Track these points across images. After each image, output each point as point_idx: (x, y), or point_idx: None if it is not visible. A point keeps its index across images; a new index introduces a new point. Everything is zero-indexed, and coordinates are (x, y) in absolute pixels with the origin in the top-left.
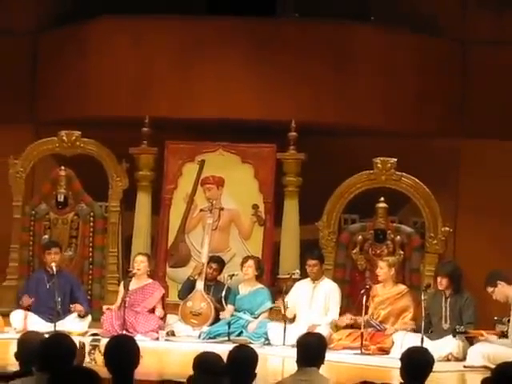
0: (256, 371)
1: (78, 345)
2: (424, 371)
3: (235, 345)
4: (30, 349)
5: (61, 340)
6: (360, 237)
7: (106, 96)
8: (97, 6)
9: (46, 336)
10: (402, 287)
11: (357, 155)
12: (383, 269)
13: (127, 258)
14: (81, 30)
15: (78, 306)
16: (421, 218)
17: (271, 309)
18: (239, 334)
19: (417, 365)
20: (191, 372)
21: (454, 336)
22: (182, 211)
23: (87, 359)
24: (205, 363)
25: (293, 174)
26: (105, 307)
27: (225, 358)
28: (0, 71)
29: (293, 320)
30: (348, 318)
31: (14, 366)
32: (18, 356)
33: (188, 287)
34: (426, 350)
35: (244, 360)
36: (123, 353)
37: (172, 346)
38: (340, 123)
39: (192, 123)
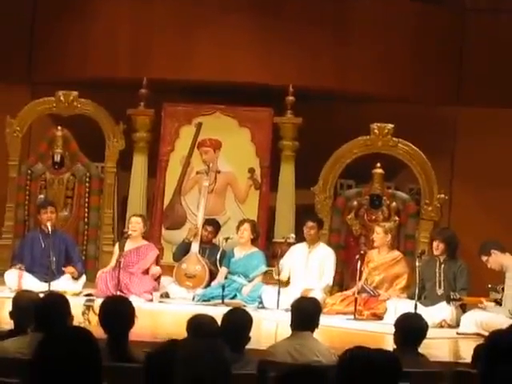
0: (250, 334)
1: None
2: (417, 337)
3: (230, 308)
4: (25, 308)
5: (56, 300)
6: (355, 202)
7: (103, 57)
8: None
9: (41, 296)
10: (396, 253)
11: (354, 121)
12: (379, 234)
13: (123, 219)
14: None
15: (70, 268)
16: (417, 184)
17: (266, 272)
18: (233, 297)
19: (410, 331)
20: (184, 334)
21: (449, 302)
22: (178, 173)
23: (81, 319)
24: (198, 325)
25: (289, 139)
26: (100, 271)
27: (219, 320)
28: None
29: (287, 284)
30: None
31: (8, 324)
32: (12, 315)
33: (183, 249)
34: (420, 315)
35: (238, 323)
36: (119, 313)
37: (166, 307)
38: (338, 88)
39: (190, 85)
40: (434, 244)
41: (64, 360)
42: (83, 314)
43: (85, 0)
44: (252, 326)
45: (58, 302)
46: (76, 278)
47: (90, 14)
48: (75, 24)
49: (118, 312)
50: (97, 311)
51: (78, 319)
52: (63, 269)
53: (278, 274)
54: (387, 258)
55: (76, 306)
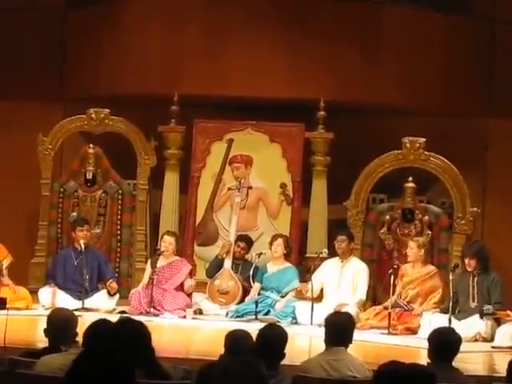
0: (285, 351)
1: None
2: (451, 351)
3: (265, 324)
4: (60, 325)
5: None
6: (388, 216)
7: (135, 74)
8: None
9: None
10: (431, 268)
11: (385, 135)
12: (413, 249)
13: (155, 236)
14: (111, 8)
15: (113, 284)
16: (449, 198)
17: (298, 287)
18: (266, 313)
19: (444, 345)
20: (219, 350)
21: (482, 317)
22: (209, 190)
23: None
24: (236, 341)
25: (321, 153)
26: (133, 290)
27: (253, 336)
28: (30, 48)
29: (320, 299)
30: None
31: (42, 342)
32: (47, 333)
33: (216, 266)
34: (453, 330)
35: (274, 339)
36: (132, 335)
37: (199, 324)
38: (368, 102)
39: (220, 102)
40: (466, 261)
41: (99, 377)
42: None
43: (116, 17)
44: (287, 343)
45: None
46: (112, 295)
47: (121, 32)
48: (106, 41)
49: (132, 332)
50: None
51: None
52: (107, 283)
53: (312, 291)
54: (422, 272)
55: None
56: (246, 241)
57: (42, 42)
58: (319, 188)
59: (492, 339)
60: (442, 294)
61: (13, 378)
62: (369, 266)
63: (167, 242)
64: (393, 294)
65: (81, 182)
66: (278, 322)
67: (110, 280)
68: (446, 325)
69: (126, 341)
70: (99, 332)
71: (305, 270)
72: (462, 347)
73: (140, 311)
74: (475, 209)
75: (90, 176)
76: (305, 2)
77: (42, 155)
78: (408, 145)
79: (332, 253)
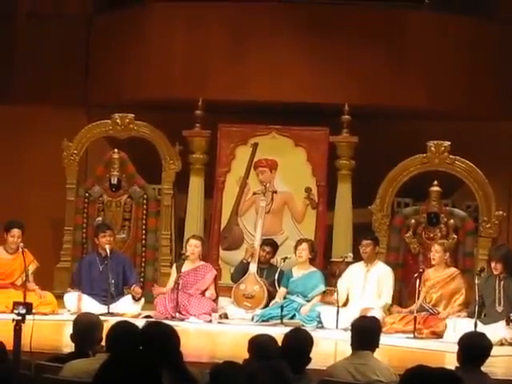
0: (311, 355)
1: None
2: (481, 356)
3: (291, 328)
4: (86, 330)
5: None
6: (413, 220)
7: (159, 79)
8: None
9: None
10: (452, 269)
11: (410, 138)
12: (438, 252)
13: (180, 240)
14: (134, 14)
15: (137, 289)
16: (474, 201)
17: (324, 292)
18: (292, 317)
19: (475, 349)
20: (244, 354)
21: (508, 324)
22: (234, 194)
23: None
24: (260, 346)
25: (346, 157)
26: (155, 291)
27: (278, 341)
28: (54, 54)
29: (345, 303)
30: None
31: (68, 347)
32: (73, 337)
33: (241, 270)
34: (485, 335)
35: (300, 343)
36: (161, 338)
37: (225, 328)
38: (393, 106)
39: (245, 106)
40: (492, 264)
41: (126, 382)
42: None
43: (140, 23)
44: (312, 347)
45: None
46: (137, 300)
47: (145, 37)
48: (130, 46)
49: (161, 336)
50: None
51: None
52: (131, 288)
53: (337, 299)
54: (443, 275)
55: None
56: (271, 245)
57: (67, 48)
58: (344, 192)
59: None
60: (465, 295)
61: (39, 383)
62: (394, 270)
63: (193, 246)
64: (418, 298)
65: (106, 186)
66: (304, 326)
67: (134, 285)
68: (472, 329)
69: (155, 344)
70: (120, 334)
71: (330, 275)
72: None
73: (166, 316)
74: (501, 212)
75: (114, 181)
76: (329, 6)
77: (67, 160)
78: (433, 148)
79: (357, 257)
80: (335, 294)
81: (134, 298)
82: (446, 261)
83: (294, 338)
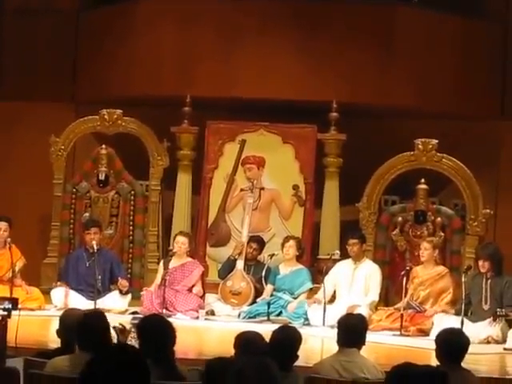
0: (298, 352)
1: (119, 327)
2: (459, 352)
3: (279, 325)
4: (72, 326)
5: (94, 318)
6: (400, 218)
7: (147, 75)
8: None
9: (80, 316)
10: (441, 268)
11: (398, 136)
12: (427, 249)
13: (167, 236)
14: (123, 10)
15: (124, 282)
16: (461, 199)
17: (311, 289)
18: (279, 314)
19: (451, 346)
20: (231, 351)
21: (495, 320)
22: (222, 191)
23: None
24: (247, 342)
25: (333, 155)
26: (144, 289)
27: (266, 338)
28: (42, 49)
29: (332, 300)
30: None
31: (54, 343)
32: (59, 333)
33: (228, 267)
34: (460, 330)
35: (288, 340)
36: (160, 331)
37: (211, 325)
38: (381, 104)
39: (233, 103)
40: (480, 263)
41: (112, 379)
42: (129, 331)
43: (128, 19)
44: (300, 344)
45: (96, 321)
46: (125, 293)
47: (134, 33)
48: (119, 42)
49: (159, 330)
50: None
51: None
52: (118, 281)
53: (324, 295)
54: (432, 273)
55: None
56: (258, 242)
57: (55, 43)
58: (331, 189)
59: (504, 341)
60: (453, 293)
61: (25, 378)
62: (381, 268)
63: (180, 243)
64: (405, 296)
65: (93, 182)
66: (291, 323)
67: (120, 278)
68: (458, 326)
69: (151, 337)
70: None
71: (317, 272)
72: (475, 349)
73: (152, 312)
74: (488, 210)
75: (102, 177)
76: (317, 3)
77: (55, 156)
78: (420, 146)
79: (344, 254)
80: (321, 290)
81: (120, 291)
82: (434, 258)
83: (282, 335)
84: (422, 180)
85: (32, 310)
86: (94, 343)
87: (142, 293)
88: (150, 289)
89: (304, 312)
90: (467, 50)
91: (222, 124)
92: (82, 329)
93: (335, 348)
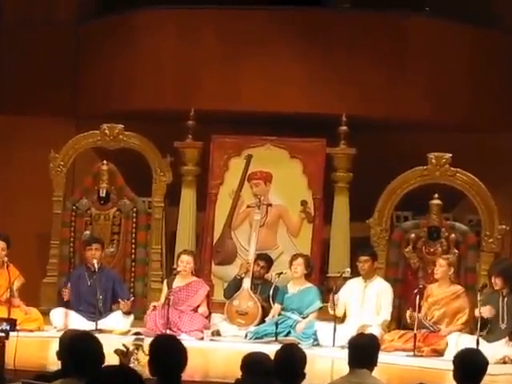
0: (305, 371)
1: (120, 350)
2: (478, 373)
3: (282, 344)
4: None
5: (82, 341)
6: (413, 235)
7: (149, 89)
8: None
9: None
10: (457, 287)
11: (410, 150)
12: (442, 267)
13: (171, 255)
14: (124, 21)
15: (125, 305)
16: (476, 215)
17: (320, 308)
18: (287, 335)
19: (470, 367)
20: (237, 373)
21: (511, 339)
22: (227, 207)
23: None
24: (253, 364)
25: (343, 170)
26: (154, 303)
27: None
28: (41, 63)
29: (342, 320)
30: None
31: (54, 365)
32: (60, 355)
33: (234, 286)
34: (479, 351)
35: (291, 360)
36: (172, 352)
37: (217, 346)
38: (392, 117)
39: (238, 117)
40: (492, 280)
41: None
42: (132, 353)
43: (129, 30)
44: (306, 363)
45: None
46: (127, 313)
47: (135, 45)
48: (120, 55)
49: (171, 351)
50: (146, 351)
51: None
52: (121, 304)
53: (334, 309)
54: (448, 292)
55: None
56: (265, 260)
57: (54, 57)
58: (341, 205)
59: None
60: (468, 314)
61: None
62: (393, 286)
63: (185, 262)
64: (418, 313)
65: (94, 199)
66: (299, 343)
67: (124, 301)
68: (474, 346)
69: (162, 357)
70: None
71: (327, 290)
72: (491, 370)
73: (156, 333)
74: (504, 226)
75: (103, 193)
76: (327, 11)
77: (54, 172)
78: (434, 160)
79: (355, 272)
80: (331, 307)
81: (124, 311)
82: (450, 276)
83: (285, 355)
84: (436, 195)
85: (31, 331)
86: (88, 367)
87: (151, 306)
88: (157, 304)
89: (313, 332)
90: (482, 60)
91: (227, 138)
92: (71, 353)
93: (346, 369)
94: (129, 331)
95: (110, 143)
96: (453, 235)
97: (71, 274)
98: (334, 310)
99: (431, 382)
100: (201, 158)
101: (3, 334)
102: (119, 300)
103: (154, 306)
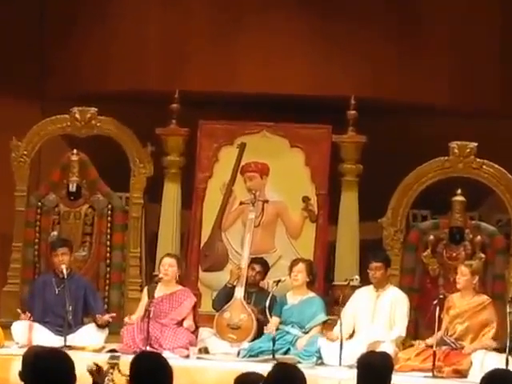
0: None
1: (93, 368)
2: None
3: (275, 363)
4: None
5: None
6: (432, 237)
7: (128, 68)
8: None
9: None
10: (483, 297)
11: (429, 139)
12: (465, 275)
13: (152, 259)
14: None
15: (104, 317)
16: (506, 214)
17: (325, 322)
18: (286, 352)
19: None
20: None
21: None
22: (218, 204)
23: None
24: None
25: (352, 161)
26: (126, 318)
27: None
28: (5, 39)
29: (351, 335)
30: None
31: None
32: (22, 376)
33: (225, 295)
34: (510, 371)
35: (286, 381)
36: (155, 372)
37: (205, 364)
38: (408, 100)
39: (231, 99)
40: None
41: None
42: (106, 373)
43: (105, 1)
44: None
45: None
46: (102, 327)
47: (112, 18)
48: (95, 27)
49: (155, 371)
50: (123, 370)
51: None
52: (97, 318)
53: (341, 331)
54: (472, 303)
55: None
56: (261, 264)
57: (19, 32)
58: (349, 202)
59: None
60: (496, 329)
61: None
62: (409, 296)
63: (167, 265)
64: (438, 330)
65: (62, 195)
66: (300, 362)
67: (104, 315)
68: (502, 366)
69: (144, 378)
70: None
71: (332, 301)
72: None
73: (134, 349)
74: None
75: (73, 188)
76: None
77: (17, 163)
78: (456, 150)
79: (365, 280)
80: (338, 325)
81: (97, 324)
82: (474, 286)
83: (279, 376)
84: (459, 191)
85: None
86: None
87: (125, 320)
88: (132, 319)
89: (316, 349)
90: (508, 34)
91: (217, 124)
92: (36, 373)
93: None
94: (103, 348)
95: (82, 129)
96: (478, 237)
97: (36, 282)
98: (341, 330)
99: None
100: (186, 147)
101: None
102: (95, 315)
103: (130, 320)
